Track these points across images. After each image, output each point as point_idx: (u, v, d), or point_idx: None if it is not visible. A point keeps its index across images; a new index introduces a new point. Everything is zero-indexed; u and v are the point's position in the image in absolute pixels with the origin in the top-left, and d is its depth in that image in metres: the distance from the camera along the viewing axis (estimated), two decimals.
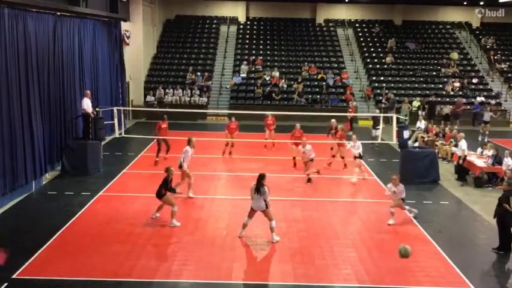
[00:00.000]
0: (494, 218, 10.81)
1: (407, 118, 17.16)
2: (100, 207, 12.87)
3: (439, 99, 27.77)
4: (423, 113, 25.29)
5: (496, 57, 31.82)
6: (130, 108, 25.82)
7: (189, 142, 13.68)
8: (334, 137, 17.21)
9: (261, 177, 10.71)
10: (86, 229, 11.35)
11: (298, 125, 17.49)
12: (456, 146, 17.95)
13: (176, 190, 12.12)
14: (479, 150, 17.02)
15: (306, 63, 30.96)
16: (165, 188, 11.52)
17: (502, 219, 10.54)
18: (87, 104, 16.48)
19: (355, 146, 15.70)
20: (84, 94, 16.92)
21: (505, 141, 21.54)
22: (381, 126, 18.64)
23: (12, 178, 13.06)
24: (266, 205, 10.72)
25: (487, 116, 23.56)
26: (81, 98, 16.98)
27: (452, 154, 18.12)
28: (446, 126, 20.73)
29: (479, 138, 22.10)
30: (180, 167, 13.39)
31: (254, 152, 18.45)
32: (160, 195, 11.56)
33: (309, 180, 15.21)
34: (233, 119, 18.59)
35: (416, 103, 26.94)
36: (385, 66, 31.41)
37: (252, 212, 10.91)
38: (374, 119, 21.39)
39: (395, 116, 18.21)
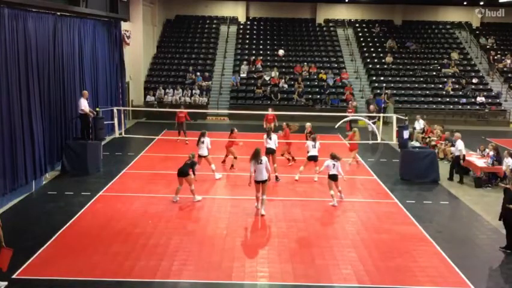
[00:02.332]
0: (499, 220, 10.80)
1: (407, 118, 17.17)
2: (100, 207, 12.87)
3: None
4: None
5: (496, 57, 31.83)
6: (130, 108, 25.81)
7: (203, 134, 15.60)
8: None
9: (258, 152, 12.22)
10: (86, 229, 11.36)
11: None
12: (452, 146, 17.99)
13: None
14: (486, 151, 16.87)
15: (306, 63, 30.97)
16: (192, 168, 13.00)
17: (508, 220, 10.53)
18: (84, 104, 16.45)
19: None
20: (81, 94, 16.90)
21: (505, 141, 21.55)
22: (380, 122, 18.72)
23: (12, 178, 13.06)
24: (268, 176, 12.37)
25: None
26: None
27: (452, 154, 18.14)
28: (442, 127, 20.75)
29: None
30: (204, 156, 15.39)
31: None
32: (186, 173, 12.87)
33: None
34: (270, 109, 20.89)
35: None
36: (385, 66, 31.41)
37: (257, 186, 12.31)
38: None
39: (395, 116, 18.24)
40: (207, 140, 15.43)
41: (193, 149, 17.82)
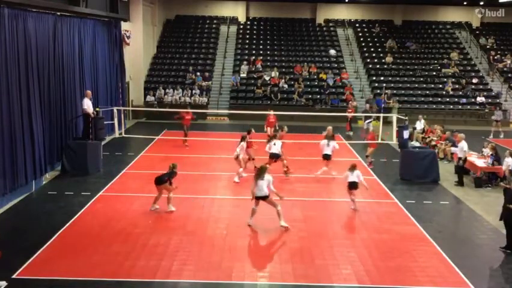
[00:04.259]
0: (500, 220, 10.80)
1: (407, 118, 17.17)
2: (100, 207, 12.87)
3: None
4: None
5: (496, 57, 31.84)
6: (130, 108, 25.82)
7: (243, 139, 15.43)
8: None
9: (263, 169, 11.53)
10: (86, 229, 11.35)
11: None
12: (453, 146, 17.99)
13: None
14: (486, 150, 16.72)
15: (306, 63, 30.98)
16: (169, 178, 12.39)
17: (509, 220, 10.54)
18: (87, 104, 16.50)
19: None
20: (84, 94, 16.93)
21: (505, 141, 21.55)
22: (380, 122, 18.76)
23: (12, 178, 13.05)
24: (270, 196, 11.46)
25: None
26: (81, 98, 17.00)
27: (452, 154, 18.15)
28: (442, 127, 20.75)
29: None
30: (236, 158, 15.17)
31: (254, 152, 18.41)
32: (162, 181, 12.30)
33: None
34: (271, 111, 20.39)
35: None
36: (385, 66, 31.41)
37: (257, 202, 11.53)
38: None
39: (395, 116, 18.25)
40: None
41: (192, 149, 17.85)
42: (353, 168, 13.00)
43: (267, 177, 11.46)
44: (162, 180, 12.34)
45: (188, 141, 19.80)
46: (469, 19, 34.94)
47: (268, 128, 20.02)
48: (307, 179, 15.54)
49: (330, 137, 16.04)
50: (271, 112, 20.51)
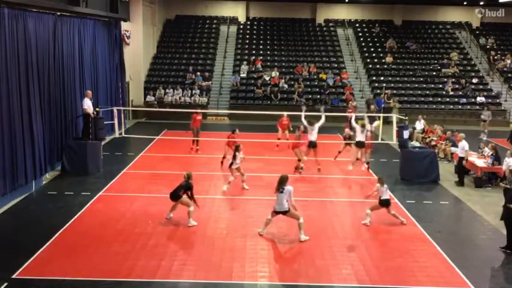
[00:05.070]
0: (500, 220, 10.79)
1: (407, 118, 17.17)
2: (100, 207, 12.87)
3: None
4: None
5: (496, 57, 31.84)
6: (130, 108, 25.82)
7: (237, 148, 14.34)
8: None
9: (283, 179, 10.82)
10: (86, 229, 11.35)
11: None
12: (453, 146, 17.97)
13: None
14: (486, 150, 16.69)
15: (306, 63, 30.97)
16: (187, 191, 11.53)
17: (509, 220, 10.54)
18: (88, 104, 16.49)
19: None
20: (85, 94, 16.93)
21: (505, 142, 21.54)
22: (380, 122, 18.72)
23: (12, 178, 13.05)
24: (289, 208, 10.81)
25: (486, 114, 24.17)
26: (81, 98, 17.00)
27: (452, 154, 18.14)
28: (442, 126, 20.73)
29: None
30: (230, 166, 14.28)
31: (254, 152, 18.43)
32: (177, 196, 11.53)
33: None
34: (285, 114, 20.10)
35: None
36: (385, 66, 31.41)
37: (274, 215, 10.99)
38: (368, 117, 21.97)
39: (395, 116, 18.25)
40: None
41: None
42: (382, 182, 11.95)
43: (288, 188, 10.69)
44: (177, 196, 11.53)
45: (190, 141, 19.64)
46: (469, 19, 34.93)
47: (280, 130, 20.01)
48: (308, 179, 15.54)
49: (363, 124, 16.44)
50: (285, 113, 20.38)
